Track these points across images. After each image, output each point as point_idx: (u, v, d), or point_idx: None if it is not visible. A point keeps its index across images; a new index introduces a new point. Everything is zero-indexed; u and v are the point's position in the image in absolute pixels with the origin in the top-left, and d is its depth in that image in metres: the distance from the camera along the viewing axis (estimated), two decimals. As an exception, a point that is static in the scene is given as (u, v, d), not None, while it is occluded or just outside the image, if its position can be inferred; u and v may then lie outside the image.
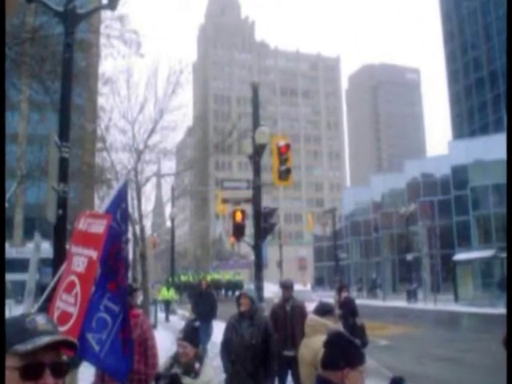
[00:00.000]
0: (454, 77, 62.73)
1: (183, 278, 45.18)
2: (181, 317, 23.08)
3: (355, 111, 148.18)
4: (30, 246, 7.52)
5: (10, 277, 21.12)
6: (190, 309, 15.60)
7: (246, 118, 39.81)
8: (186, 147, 44.09)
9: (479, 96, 57.38)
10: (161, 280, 45.16)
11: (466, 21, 59.29)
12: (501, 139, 29.86)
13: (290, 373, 6.73)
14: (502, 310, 19.48)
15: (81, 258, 3.35)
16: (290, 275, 28.97)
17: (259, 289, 11.32)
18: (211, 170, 69.45)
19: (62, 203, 6.10)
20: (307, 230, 70.76)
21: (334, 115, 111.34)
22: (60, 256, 5.79)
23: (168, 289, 24.52)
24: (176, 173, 24.75)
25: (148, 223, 30.90)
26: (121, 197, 3.62)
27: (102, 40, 13.69)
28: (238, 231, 12.58)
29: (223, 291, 43.61)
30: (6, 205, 17.80)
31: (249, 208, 12.91)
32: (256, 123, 12.42)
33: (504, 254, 27.32)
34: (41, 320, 1.33)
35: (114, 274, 3.35)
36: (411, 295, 33.80)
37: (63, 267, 3.62)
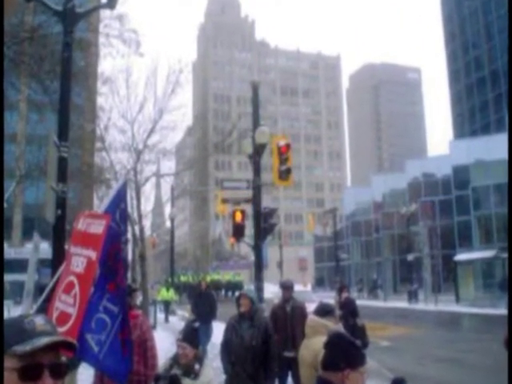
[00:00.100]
0: (455, 76, 62.67)
1: (183, 279, 45.06)
2: (180, 317, 23.07)
3: (356, 111, 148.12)
4: (29, 246, 7.51)
5: (8, 277, 21.14)
6: (189, 309, 15.58)
7: (246, 118, 39.85)
8: (185, 147, 44.11)
9: (480, 95, 57.31)
10: (160, 280, 45.21)
11: (467, 20, 59.25)
12: (502, 139, 30.15)
13: (290, 374, 6.71)
14: (503, 311, 19.49)
15: (80, 258, 3.33)
16: (291, 276, 28.88)
17: (259, 289, 11.29)
18: (211, 170, 69.55)
19: (61, 203, 6.08)
20: (307, 231, 70.72)
21: (334, 115, 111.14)
22: (59, 256, 5.78)
23: (167, 289, 24.46)
24: (175, 173, 24.68)
25: (147, 223, 30.97)
26: (120, 197, 3.59)
27: (101, 39, 13.66)
28: (238, 231, 12.53)
29: (223, 292, 43.56)
30: (5, 205, 17.75)
31: (249, 208, 12.86)
32: (256, 123, 12.38)
33: (505, 255, 27.34)
34: (39, 321, 1.32)
35: (113, 274, 3.33)
36: (412, 296, 33.73)
37: (62, 268, 3.60)
